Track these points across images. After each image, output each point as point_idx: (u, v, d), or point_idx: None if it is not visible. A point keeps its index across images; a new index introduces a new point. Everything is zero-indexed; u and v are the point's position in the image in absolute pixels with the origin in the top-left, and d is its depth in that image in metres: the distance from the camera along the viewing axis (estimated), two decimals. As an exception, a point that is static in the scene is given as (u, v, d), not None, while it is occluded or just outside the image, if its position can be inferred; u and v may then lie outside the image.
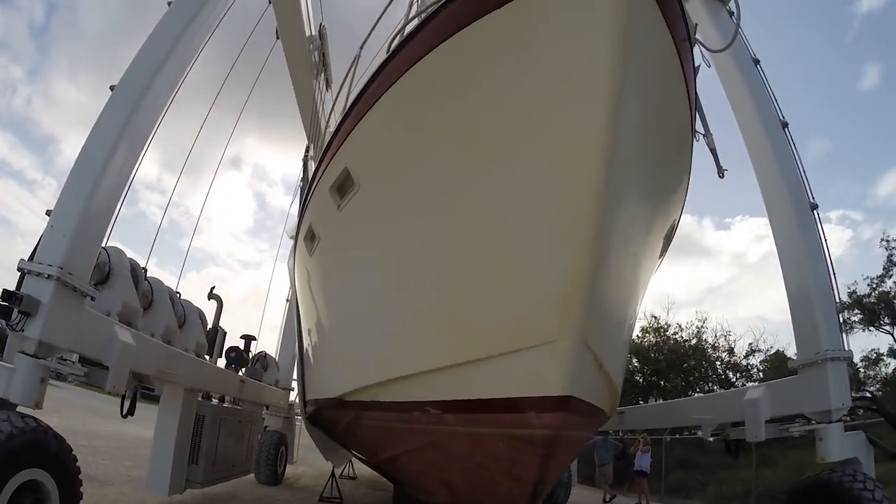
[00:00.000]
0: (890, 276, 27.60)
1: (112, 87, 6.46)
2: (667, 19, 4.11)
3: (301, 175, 12.94)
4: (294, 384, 13.96)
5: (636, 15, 3.81)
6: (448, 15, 4.58)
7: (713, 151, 8.87)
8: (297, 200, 13.65)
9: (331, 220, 6.81)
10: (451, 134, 4.84)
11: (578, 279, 4.28)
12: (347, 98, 6.96)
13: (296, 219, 13.15)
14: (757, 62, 10.52)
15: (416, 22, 5.40)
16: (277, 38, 13.28)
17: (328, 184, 6.42)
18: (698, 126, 7.22)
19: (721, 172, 8.69)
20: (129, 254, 6.98)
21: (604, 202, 4.10)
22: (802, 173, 9.43)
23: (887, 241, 27.93)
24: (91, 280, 5.60)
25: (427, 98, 4.93)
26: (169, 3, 8.70)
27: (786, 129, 10.00)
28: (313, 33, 13.87)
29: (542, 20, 4.03)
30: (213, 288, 11.00)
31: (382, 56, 5.58)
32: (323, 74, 14.55)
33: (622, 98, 3.87)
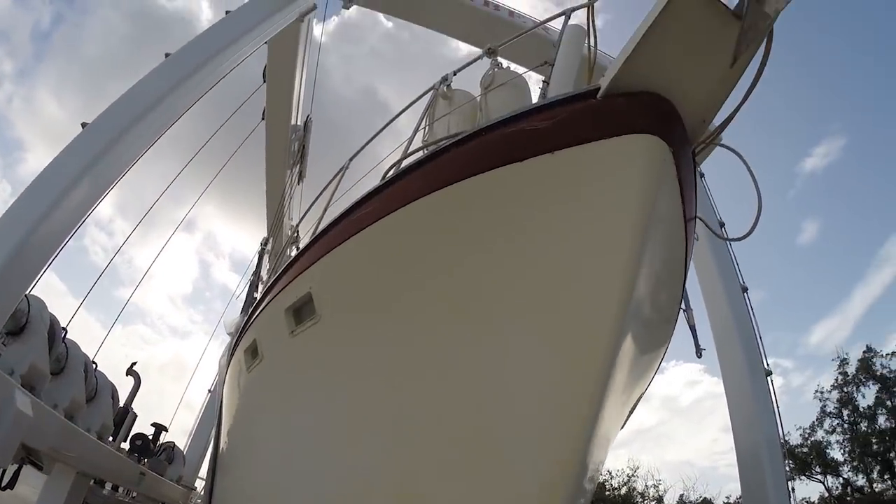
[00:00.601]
0: (821, 426, 29.42)
1: (84, 125, 5.91)
2: (683, 196, 3.95)
3: (255, 268, 12.26)
4: (199, 483, 12.53)
5: (662, 190, 3.63)
6: (460, 156, 4.20)
7: (693, 329, 8.84)
8: (243, 291, 12.86)
9: (280, 344, 6.09)
10: (442, 287, 4.38)
11: (562, 478, 3.76)
12: (325, 210, 6.38)
13: (238, 314, 12.45)
14: (722, 225, 10.77)
15: (420, 154, 5.11)
16: (263, 118, 13.08)
17: (285, 303, 5.77)
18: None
19: (699, 352, 8.71)
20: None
21: (603, 400, 3.70)
22: (759, 339, 9.49)
23: (821, 392, 30.13)
24: (3, 328, 4.76)
25: (423, 242, 4.47)
26: (166, 55, 8.46)
27: (745, 294, 10.14)
28: (298, 123, 13.76)
29: (566, 183, 3.75)
30: (133, 364, 9.95)
31: (372, 177, 5.37)
32: (298, 167, 14.30)
33: (637, 284, 3.63)
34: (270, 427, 6.70)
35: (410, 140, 5.22)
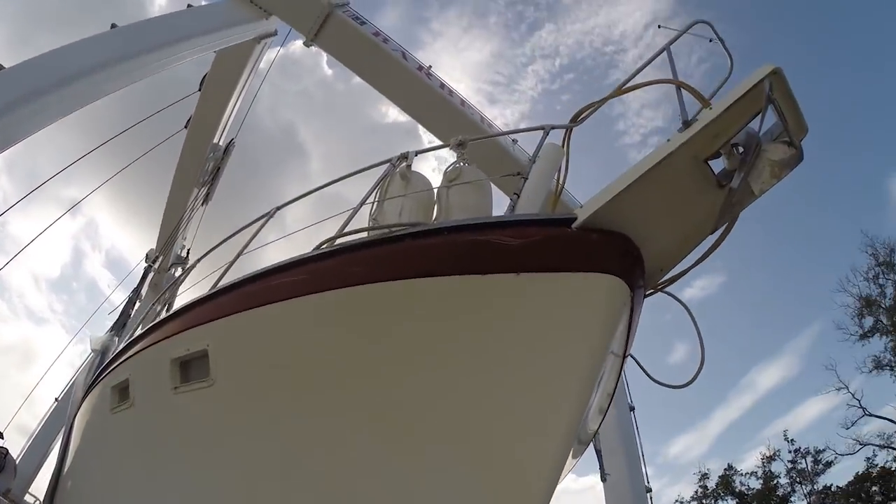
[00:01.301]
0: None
1: None
2: (628, 334, 3.99)
3: (136, 285, 11.06)
4: (31, 501, 10.66)
5: (618, 329, 3.64)
6: (415, 251, 3.90)
7: (599, 453, 9.06)
8: (118, 304, 11.54)
9: (159, 397, 5.36)
10: (363, 390, 4.01)
11: None
12: (237, 258, 5.74)
13: (106, 332, 11.07)
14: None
15: (363, 234, 4.72)
16: (185, 127, 12.22)
17: (173, 353, 5.11)
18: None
19: (604, 476, 9.22)
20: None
21: None
22: (642, 456, 9.77)
23: (681, 501, 35.03)
24: None
25: (357, 333, 4.03)
26: (112, 26, 7.71)
27: (633, 413, 10.38)
28: (220, 143, 12.97)
29: (527, 307, 3.60)
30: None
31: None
32: (207, 188, 13.37)
33: (582, 416, 3.63)
34: (130, 483, 5.82)
35: (354, 212, 4.72)
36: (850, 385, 31.55)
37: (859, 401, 31.09)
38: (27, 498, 11.73)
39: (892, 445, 31.23)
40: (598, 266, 3.49)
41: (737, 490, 36.87)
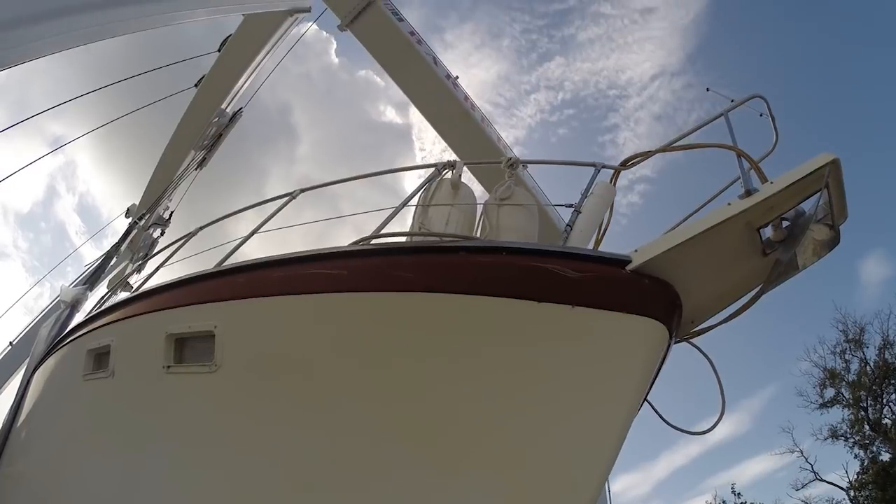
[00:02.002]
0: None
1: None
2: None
3: (118, 240, 10.46)
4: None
5: (657, 361, 3.76)
6: (471, 266, 3.80)
7: None
8: (88, 251, 10.93)
9: (149, 373, 4.92)
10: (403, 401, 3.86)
11: None
12: (253, 232, 5.38)
13: (79, 284, 10.44)
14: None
15: (405, 238, 4.76)
16: (195, 86, 11.71)
17: (172, 327, 4.74)
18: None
19: None
20: None
21: None
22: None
23: None
24: None
25: (400, 339, 3.85)
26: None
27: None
28: (228, 110, 12.47)
29: (576, 340, 3.62)
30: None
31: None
32: (205, 153, 12.84)
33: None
34: (96, 455, 5.29)
35: (396, 211, 4.59)
36: (803, 450, 32.28)
37: (812, 465, 31.72)
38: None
39: None
40: (647, 311, 3.57)
41: None
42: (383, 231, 4.44)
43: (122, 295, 6.73)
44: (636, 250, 3.66)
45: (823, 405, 32.28)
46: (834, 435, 31.63)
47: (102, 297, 8.69)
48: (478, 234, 5.13)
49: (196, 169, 12.96)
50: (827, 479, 31.59)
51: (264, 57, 11.77)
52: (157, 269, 6.44)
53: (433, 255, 3.94)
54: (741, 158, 3.88)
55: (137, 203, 13.09)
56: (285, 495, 4.00)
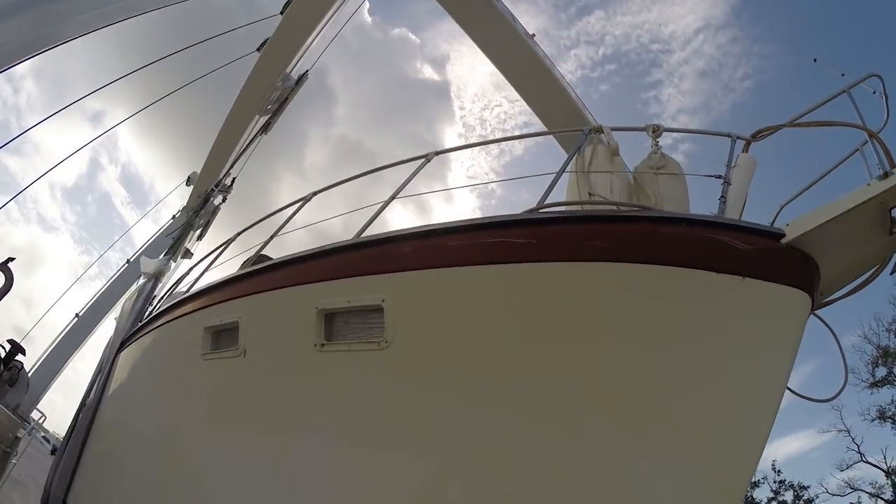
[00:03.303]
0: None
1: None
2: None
3: (195, 209, 10.18)
4: (36, 417, 10.25)
5: (803, 329, 3.99)
6: (655, 236, 3.85)
7: None
8: (143, 221, 10.75)
9: (297, 353, 4.68)
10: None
11: None
12: (392, 198, 5.07)
13: (161, 255, 10.25)
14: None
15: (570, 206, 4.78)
16: (258, 50, 11.22)
17: (321, 302, 4.53)
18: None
19: None
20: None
21: None
22: None
23: None
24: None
25: (571, 309, 3.86)
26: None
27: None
28: (292, 74, 11.99)
29: (747, 309, 3.80)
30: (9, 259, 7.51)
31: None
32: (269, 117, 12.43)
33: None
34: (229, 442, 5.02)
35: (556, 179, 4.47)
36: (849, 429, 31.69)
37: (858, 446, 31.24)
38: (34, 414, 11.03)
39: (882, 496, 31.01)
40: (798, 282, 3.83)
41: None
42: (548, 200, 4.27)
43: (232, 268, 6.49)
44: (787, 224, 3.84)
45: (874, 384, 31.35)
46: (882, 416, 30.81)
47: (191, 268, 8.44)
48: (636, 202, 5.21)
49: (261, 134, 12.58)
50: (872, 462, 31.06)
51: (330, 17, 11.23)
52: (275, 231, 6.17)
53: (622, 225, 3.94)
54: (872, 139, 4.05)
55: (199, 171, 12.82)
56: (477, 478, 3.87)
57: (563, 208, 4.61)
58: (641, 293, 3.77)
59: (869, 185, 3.69)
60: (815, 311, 4.38)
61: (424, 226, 4.38)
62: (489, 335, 3.95)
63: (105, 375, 7.86)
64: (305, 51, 11.74)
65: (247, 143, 12.18)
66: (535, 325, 3.88)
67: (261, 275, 5.17)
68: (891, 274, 4.19)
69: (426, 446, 4.01)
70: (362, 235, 4.65)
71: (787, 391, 4.54)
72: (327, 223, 6.24)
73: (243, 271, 5.61)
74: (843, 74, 4.69)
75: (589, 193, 4.89)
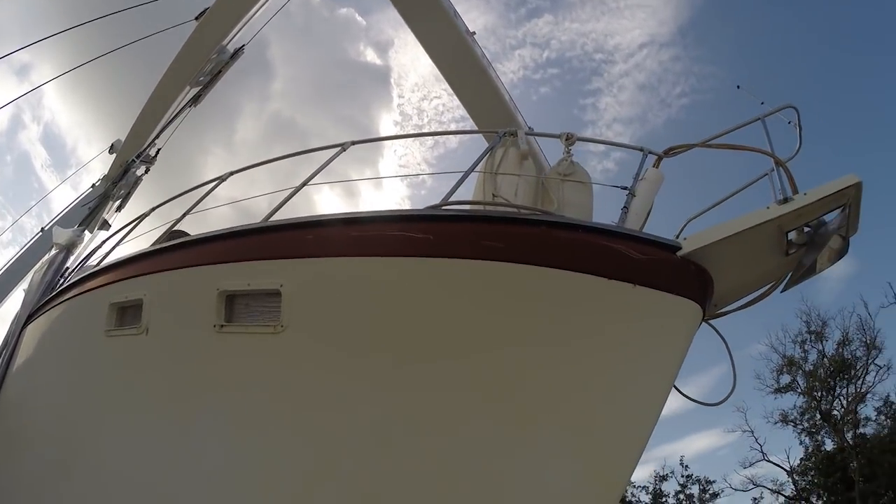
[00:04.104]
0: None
1: None
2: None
3: (113, 179, 9.80)
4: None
5: (691, 339, 4.24)
6: (547, 239, 4.00)
7: None
8: (67, 190, 10.33)
9: (192, 330, 4.73)
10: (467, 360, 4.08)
11: None
12: (305, 179, 5.09)
13: (74, 225, 9.81)
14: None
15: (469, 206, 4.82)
16: (196, 19, 10.90)
17: (223, 283, 4.52)
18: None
19: None
20: None
21: None
22: None
23: None
24: None
25: (463, 305, 4.02)
26: None
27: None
28: (228, 46, 11.71)
29: (634, 316, 3.98)
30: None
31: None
32: (200, 89, 12.09)
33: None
34: (129, 420, 4.97)
35: (464, 177, 4.60)
36: (753, 430, 34.04)
37: (761, 446, 33.63)
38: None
39: (783, 492, 33.80)
40: (690, 293, 4.03)
41: (627, 500, 38.77)
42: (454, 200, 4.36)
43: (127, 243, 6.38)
44: (685, 238, 4.08)
45: (778, 390, 33.89)
46: (784, 420, 33.48)
47: (103, 242, 8.17)
48: (539, 206, 5.32)
49: (190, 105, 12.23)
50: (773, 461, 33.56)
51: (274, -9, 11.04)
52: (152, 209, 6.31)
53: (518, 227, 4.07)
54: (778, 166, 4.29)
55: (123, 139, 12.32)
56: (366, 459, 3.99)
57: (466, 207, 4.73)
58: (530, 294, 3.91)
59: (768, 208, 3.95)
60: (710, 321, 4.66)
61: (325, 215, 4.49)
62: (381, 326, 4.07)
63: (10, 351, 7.52)
64: (246, 23, 11.51)
65: (175, 113, 11.81)
66: (426, 319, 4.01)
67: (166, 253, 5.13)
68: (781, 292, 4.49)
69: (316, 431, 4.10)
70: (270, 220, 4.69)
71: (681, 395, 4.91)
72: (254, 202, 6.23)
73: (150, 248, 5.54)
74: (762, 103, 4.95)
75: (493, 195, 5.02)
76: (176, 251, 5.06)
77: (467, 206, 4.75)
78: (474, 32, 11.39)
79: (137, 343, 5.03)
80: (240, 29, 11.51)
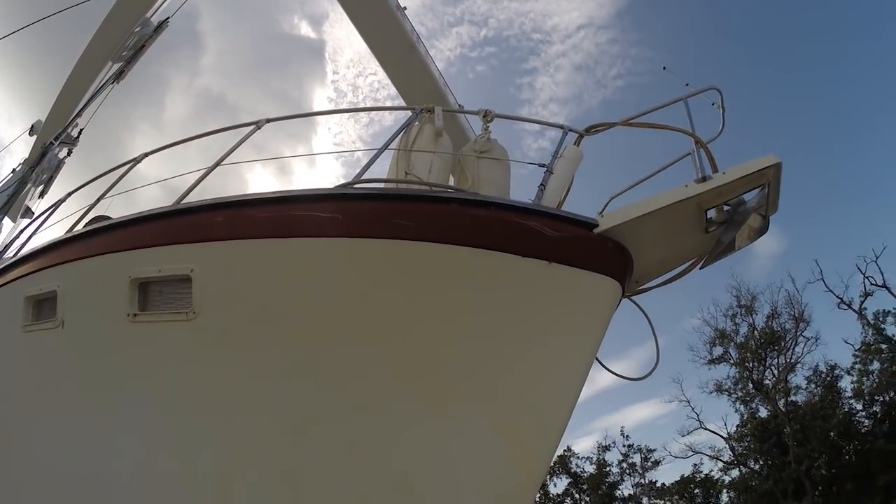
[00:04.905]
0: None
1: None
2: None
3: (33, 162, 9.35)
4: None
5: (611, 315, 4.38)
6: (461, 217, 3.99)
7: None
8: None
9: (108, 322, 4.59)
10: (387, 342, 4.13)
11: None
12: (219, 163, 4.96)
13: None
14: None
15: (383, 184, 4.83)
16: (116, -7, 10.41)
17: (134, 271, 4.41)
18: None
19: None
20: None
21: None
22: None
23: None
24: None
25: (380, 284, 4.03)
26: None
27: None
28: (152, 19, 11.24)
29: (550, 293, 4.01)
30: None
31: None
32: (123, 64, 11.58)
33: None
34: (49, 419, 4.89)
35: (378, 154, 4.56)
36: (690, 400, 36.36)
37: (697, 414, 35.49)
38: None
39: (721, 458, 36.55)
40: (608, 270, 4.06)
41: (572, 471, 40.21)
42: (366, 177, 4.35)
43: (44, 231, 6.16)
44: (602, 215, 4.13)
45: (711, 361, 35.70)
46: (719, 389, 35.46)
47: (21, 231, 7.82)
48: (453, 183, 5.36)
49: (113, 82, 11.71)
50: (710, 429, 35.44)
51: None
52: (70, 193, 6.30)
53: (429, 205, 4.07)
54: (698, 146, 4.34)
55: (43, 119, 11.76)
56: (283, 444, 3.98)
57: (378, 185, 4.71)
58: (443, 273, 3.89)
59: (687, 186, 3.99)
60: (633, 298, 4.75)
61: (235, 196, 4.36)
62: (292, 310, 4.02)
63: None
64: (169, -2, 11.08)
65: (96, 91, 11.32)
66: (337, 301, 3.97)
67: (78, 241, 4.96)
68: (700, 269, 4.58)
69: (231, 418, 4.08)
70: (181, 203, 4.59)
71: (606, 370, 5.16)
72: (183, 180, 6.05)
73: (61, 237, 5.32)
74: (687, 84, 4.97)
75: (406, 172, 4.96)
76: (87, 239, 4.89)
77: (380, 185, 4.74)
78: (405, 7, 11.27)
79: (53, 337, 4.88)
80: (164, 0, 11.08)
